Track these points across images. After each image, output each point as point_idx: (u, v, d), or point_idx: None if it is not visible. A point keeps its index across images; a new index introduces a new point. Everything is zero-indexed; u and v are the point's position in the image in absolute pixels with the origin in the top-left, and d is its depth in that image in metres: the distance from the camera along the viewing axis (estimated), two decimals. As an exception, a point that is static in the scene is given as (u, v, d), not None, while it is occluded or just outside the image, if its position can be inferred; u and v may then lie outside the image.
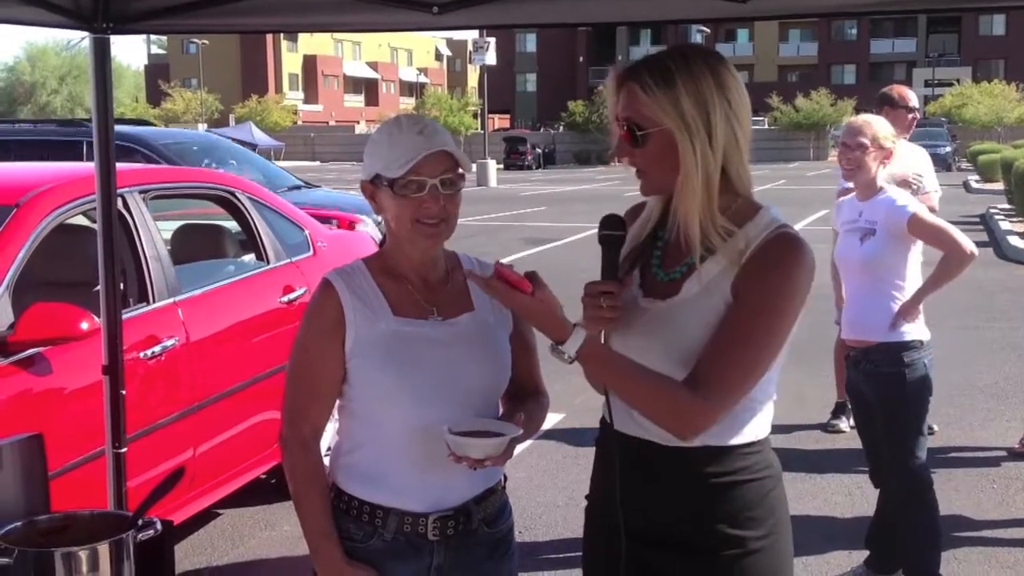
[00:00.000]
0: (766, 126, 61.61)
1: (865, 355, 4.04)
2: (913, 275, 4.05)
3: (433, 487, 2.18)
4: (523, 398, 2.28)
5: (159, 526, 2.09)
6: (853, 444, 4.94)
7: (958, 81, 61.62)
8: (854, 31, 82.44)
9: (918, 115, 6.06)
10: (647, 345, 2.01)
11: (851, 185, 4.23)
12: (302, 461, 2.21)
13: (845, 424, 6.21)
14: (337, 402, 2.25)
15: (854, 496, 5.19)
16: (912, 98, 6.01)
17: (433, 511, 2.19)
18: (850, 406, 4.28)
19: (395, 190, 2.12)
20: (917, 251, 4.08)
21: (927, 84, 66.05)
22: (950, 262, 4.07)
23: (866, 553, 4.30)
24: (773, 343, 1.95)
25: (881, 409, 4.01)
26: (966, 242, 4.04)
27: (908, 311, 3.98)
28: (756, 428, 2.04)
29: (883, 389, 3.99)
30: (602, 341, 2.02)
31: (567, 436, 6.05)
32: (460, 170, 2.16)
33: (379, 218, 2.95)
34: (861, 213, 4.07)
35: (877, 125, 4.07)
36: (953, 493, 5.12)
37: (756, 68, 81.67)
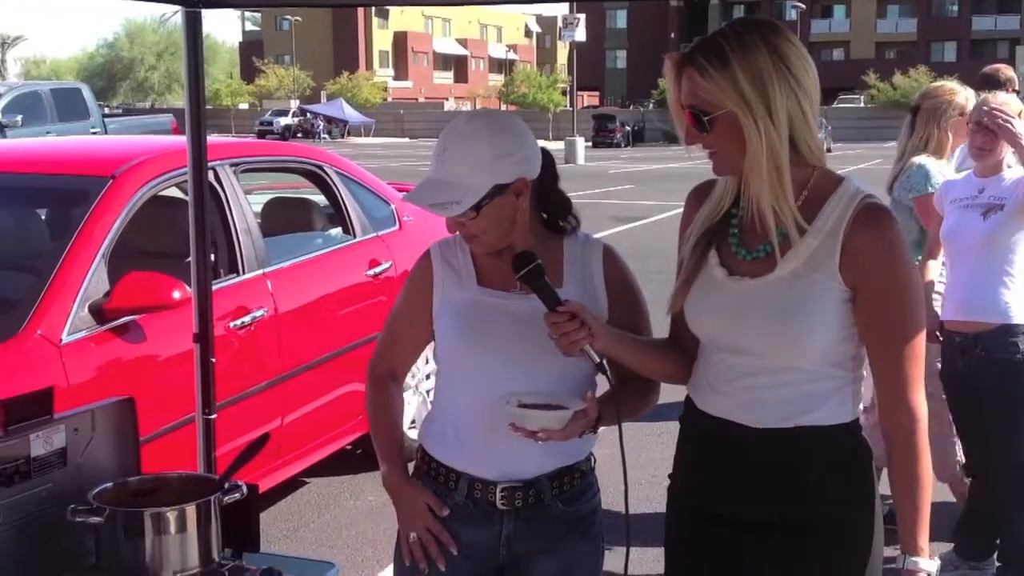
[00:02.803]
0: (862, 104, 60.29)
1: (976, 341, 3.85)
2: None
3: (504, 456, 2.20)
4: (629, 382, 2.24)
5: (245, 489, 2.13)
6: (944, 428, 4.84)
7: (1064, 58, 59.57)
8: (955, 7, 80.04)
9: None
10: (740, 324, 1.99)
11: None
12: (373, 394, 2.38)
13: (936, 408, 6.06)
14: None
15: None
16: (1015, 79, 5.81)
17: (503, 480, 2.21)
18: (944, 393, 4.11)
19: None
20: None
21: (1031, 62, 63.95)
22: None
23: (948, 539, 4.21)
24: (923, 321, 1.99)
25: (995, 397, 3.85)
26: None
27: None
28: (847, 408, 2.01)
29: (998, 376, 3.82)
30: (596, 356, 2.06)
31: (651, 413, 6.01)
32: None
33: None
34: (983, 190, 3.90)
35: (1014, 104, 3.90)
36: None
37: (852, 45, 79.76)
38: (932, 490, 1.98)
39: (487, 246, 2.21)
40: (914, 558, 1.94)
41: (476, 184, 2.12)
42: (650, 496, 4.90)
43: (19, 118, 15.21)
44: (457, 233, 2.27)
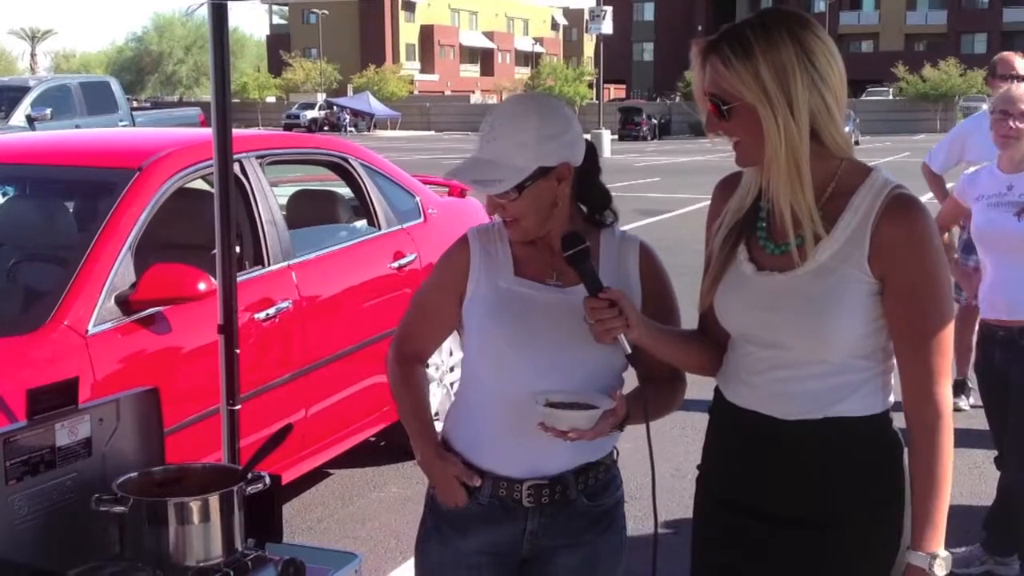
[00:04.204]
0: (891, 97, 59.77)
1: (1021, 334, 3.82)
2: None
3: (530, 454, 2.18)
4: (656, 380, 2.22)
5: (267, 480, 2.14)
6: (972, 424, 4.80)
7: (1097, 50, 58.81)
8: (986, -2, 79.33)
9: None
10: (769, 318, 1.98)
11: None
12: (399, 372, 2.34)
13: (965, 403, 6.02)
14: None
15: (972, 476, 5.04)
16: (1020, 66, 5.75)
17: (529, 478, 2.19)
18: (978, 386, 4.09)
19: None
20: None
21: (1063, 53, 63.14)
22: None
23: (976, 533, 4.18)
24: (951, 314, 1.97)
25: None
26: None
27: None
28: (877, 400, 2.00)
29: None
30: (628, 347, 2.05)
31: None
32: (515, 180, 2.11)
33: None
34: (1011, 187, 3.86)
35: None
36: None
37: (881, 37, 79.03)
38: (950, 488, 1.95)
39: (524, 232, 2.18)
40: (920, 553, 1.93)
41: (521, 164, 2.11)
42: (674, 489, 4.88)
43: (48, 111, 15.33)
44: (495, 220, 2.27)
